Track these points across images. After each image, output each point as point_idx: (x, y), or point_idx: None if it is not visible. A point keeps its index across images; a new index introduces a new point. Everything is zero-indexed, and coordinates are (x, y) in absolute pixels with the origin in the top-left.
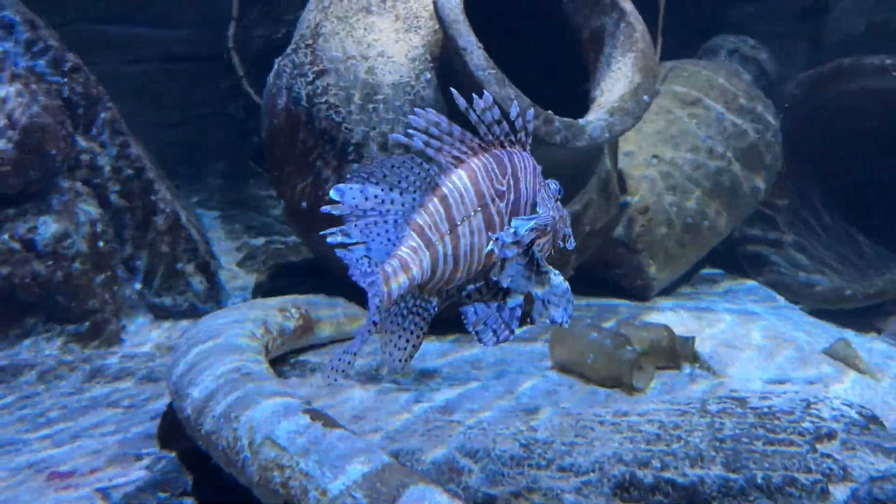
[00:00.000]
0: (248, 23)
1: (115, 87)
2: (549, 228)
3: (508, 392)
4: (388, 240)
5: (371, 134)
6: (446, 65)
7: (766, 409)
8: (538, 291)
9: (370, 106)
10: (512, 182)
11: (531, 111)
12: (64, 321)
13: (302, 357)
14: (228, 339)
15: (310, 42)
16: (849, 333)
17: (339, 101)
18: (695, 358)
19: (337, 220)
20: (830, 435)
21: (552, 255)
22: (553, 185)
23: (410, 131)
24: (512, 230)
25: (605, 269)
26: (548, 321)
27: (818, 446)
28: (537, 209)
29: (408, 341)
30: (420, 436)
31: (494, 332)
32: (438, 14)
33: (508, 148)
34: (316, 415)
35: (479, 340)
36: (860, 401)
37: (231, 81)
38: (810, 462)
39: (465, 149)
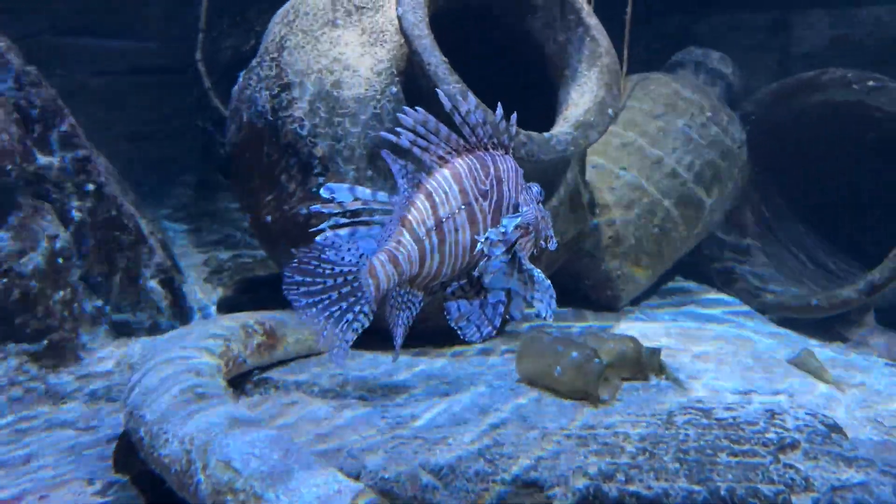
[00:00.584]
0: (217, 34)
1: (83, 99)
2: (531, 227)
3: (475, 406)
4: (377, 236)
5: (337, 147)
6: (412, 79)
7: (730, 420)
8: (518, 288)
9: (336, 119)
10: (495, 183)
11: (514, 115)
12: (20, 340)
13: (266, 374)
14: (186, 359)
15: (274, 55)
16: (815, 343)
17: (304, 114)
18: (661, 369)
19: (307, 225)
20: (793, 445)
21: (534, 253)
22: (535, 187)
23: (398, 129)
24: (501, 228)
25: (575, 280)
26: (516, 315)
27: (781, 457)
28: (520, 209)
29: (395, 332)
30: (384, 453)
31: (478, 327)
32: (403, 29)
33: (492, 151)
34: (276, 437)
35: (463, 336)
36: (824, 410)
37: (199, 93)
38: (773, 473)
39: (450, 149)
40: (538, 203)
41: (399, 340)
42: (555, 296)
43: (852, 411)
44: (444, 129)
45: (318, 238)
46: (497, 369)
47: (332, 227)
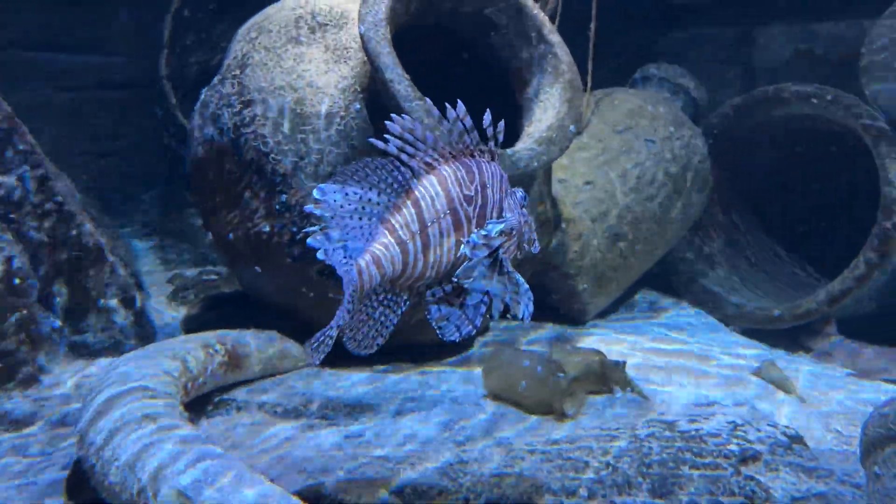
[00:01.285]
0: (183, 50)
1: (47, 115)
2: (514, 231)
3: (439, 422)
4: (364, 237)
5: (300, 164)
6: (375, 95)
7: (693, 433)
8: (497, 291)
9: (299, 136)
10: (479, 188)
11: (501, 122)
12: None
13: (228, 395)
14: (142, 382)
15: (236, 73)
16: (779, 353)
17: (266, 131)
18: (626, 382)
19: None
20: (755, 457)
21: (517, 257)
22: (519, 192)
23: (387, 136)
24: (483, 232)
25: (542, 293)
26: (493, 315)
27: (743, 469)
28: (504, 214)
29: (377, 331)
30: (345, 473)
31: (457, 327)
32: (365, 46)
33: (477, 157)
34: (228, 462)
35: (442, 336)
36: (786, 421)
37: (165, 110)
38: (734, 485)
39: (436, 156)
40: (522, 208)
41: (378, 339)
42: (532, 299)
43: (813, 422)
44: (430, 137)
45: (308, 240)
46: (465, 385)
47: (323, 230)
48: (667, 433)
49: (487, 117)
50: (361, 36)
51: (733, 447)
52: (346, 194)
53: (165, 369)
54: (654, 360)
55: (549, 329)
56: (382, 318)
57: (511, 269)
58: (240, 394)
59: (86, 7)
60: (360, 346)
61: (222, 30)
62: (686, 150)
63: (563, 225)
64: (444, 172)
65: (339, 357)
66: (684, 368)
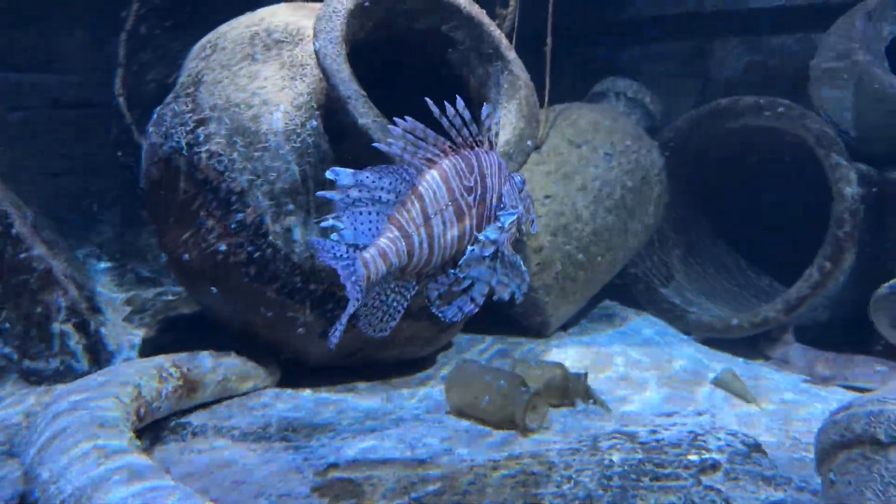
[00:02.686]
0: (140, 68)
1: (1, 134)
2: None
3: (402, 442)
4: (372, 229)
5: (256, 182)
6: (332, 112)
7: (654, 444)
8: (486, 275)
9: (255, 154)
10: (479, 178)
11: (498, 113)
12: None
13: (184, 419)
14: (91, 411)
15: (190, 91)
16: (738, 362)
17: (221, 149)
18: (588, 394)
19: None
20: (715, 466)
21: (518, 236)
22: (517, 177)
23: (390, 140)
24: (498, 224)
25: (505, 307)
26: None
27: (703, 478)
28: (503, 200)
29: (390, 315)
30: (303, 499)
31: (460, 308)
32: (320, 63)
33: (476, 148)
34: (181, 494)
35: (444, 317)
36: (745, 430)
37: (120, 128)
38: (695, 496)
39: (437, 151)
40: (520, 192)
41: (390, 322)
42: (528, 279)
43: (772, 429)
44: (431, 134)
45: (322, 223)
46: (427, 401)
47: (335, 218)
48: (628, 445)
49: (485, 110)
50: (317, 53)
51: (693, 457)
52: (358, 178)
53: (117, 396)
54: (616, 370)
55: (511, 342)
56: (394, 304)
57: (509, 252)
58: (196, 417)
59: (38, 25)
60: (376, 329)
61: (180, 47)
62: (643, 162)
63: (525, 238)
64: (445, 166)
65: (302, 377)
66: (646, 378)
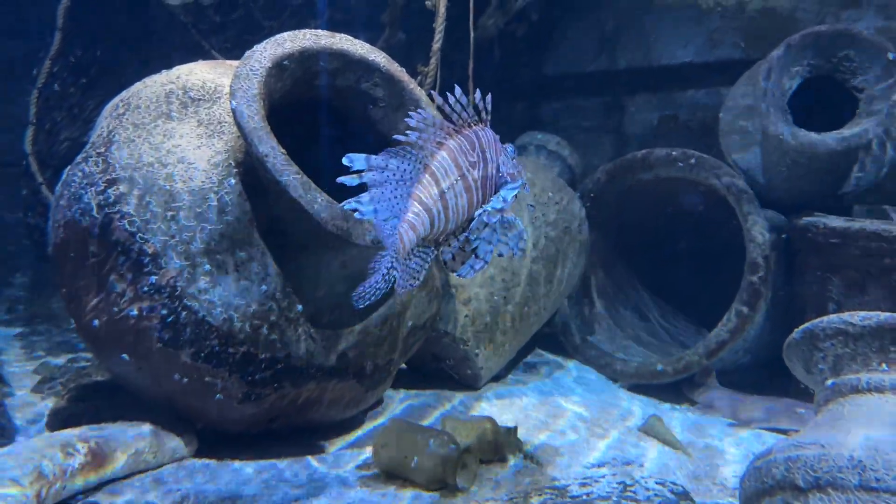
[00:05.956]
0: (53, 126)
1: None
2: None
3: None
4: (389, 204)
5: (170, 243)
6: (250, 170)
7: (584, 497)
8: (499, 238)
9: (169, 214)
10: (480, 153)
11: (489, 96)
12: None
13: (92, 498)
14: None
15: (101, 150)
16: (664, 408)
17: (133, 209)
18: (519, 448)
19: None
20: None
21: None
22: (509, 147)
23: (408, 131)
24: (501, 197)
25: (436, 361)
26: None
27: None
28: (500, 170)
29: (414, 277)
30: None
31: (472, 266)
32: (237, 121)
33: (474, 127)
34: None
35: (458, 274)
36: (673, 477)
37: (31, 188)
38: None
39: (444, 134)
40: (513, 160)
41: (415, 282)
42: (525, 240)
43: (699, 476)
44: (438, 121)
45: (345, 205)
46: (355, 464)
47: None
48: (559, 500)
49: (478, 94)
50: (234, 111)
51: None
52: (370, 163)
53: (13, 477)
54: (546, 422)
55: (443, 397)
56: (416, 267)
57: (510, 217)
58: (105, 495)
59: None
60: (400, 287)
61: (95, 104)
62: (565, 213)
63: (453, 291)
64: (452, 146)
65: (222, 446)
66: (575, 429)
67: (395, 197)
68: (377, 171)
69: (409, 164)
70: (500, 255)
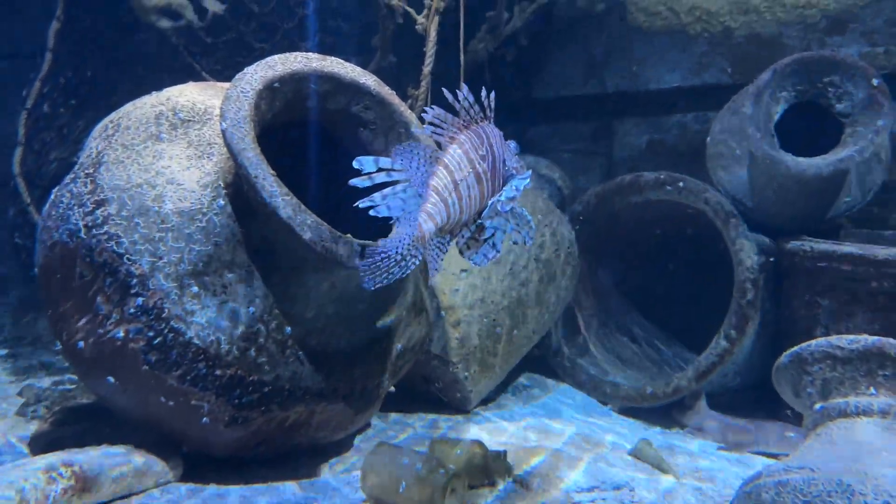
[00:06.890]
0: (42, 147)
1: None
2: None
3: None
4: (401, 201)
5: (158, 264)
6: (240, 191)
7: None
8: (510, 226)
9: (157, 235)
10: (488, 147)
11: (493, 94)
12: None
13: None
14: None
15: (90, 171)
16: (654, 431)
17: (121, 230)
18: (508, 472)
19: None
20: None
21: None
22: (511, 143)
23: (426, 126)
24: (513, 186)
25: (425, 383)
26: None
27: None
28: (506, 163)
29: (433, 266)
30: None
31: (484, 255)
32: (227, 143)
33: (481, 123)
34: None
35: (473, 262)
36: (663, 501)
37: (18, 209)
38: None
39: (455, 129)
40: (516, 155)
41: (436, 265)
42: (534, 228)
43: (688, 501)
44: (450, 117)
45: (360, 204)
46: (344, 489)
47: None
48: None
49: (484, 92)
50: (224, 133)
51: None
52: (379, 164)
53: None
54: (536, 445)
55: (431, 420)
56: (434, 254)
57: (519, 208)
58: None
59: None
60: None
61: (85, 125)
62: (555, 236)
63: (443, 313)
64: (463, 140)
65: (208, 470)
66: (565, 452)
67: (406, 194)
68: (386, 172)
69: (416, 163)
70: (514, 242)
